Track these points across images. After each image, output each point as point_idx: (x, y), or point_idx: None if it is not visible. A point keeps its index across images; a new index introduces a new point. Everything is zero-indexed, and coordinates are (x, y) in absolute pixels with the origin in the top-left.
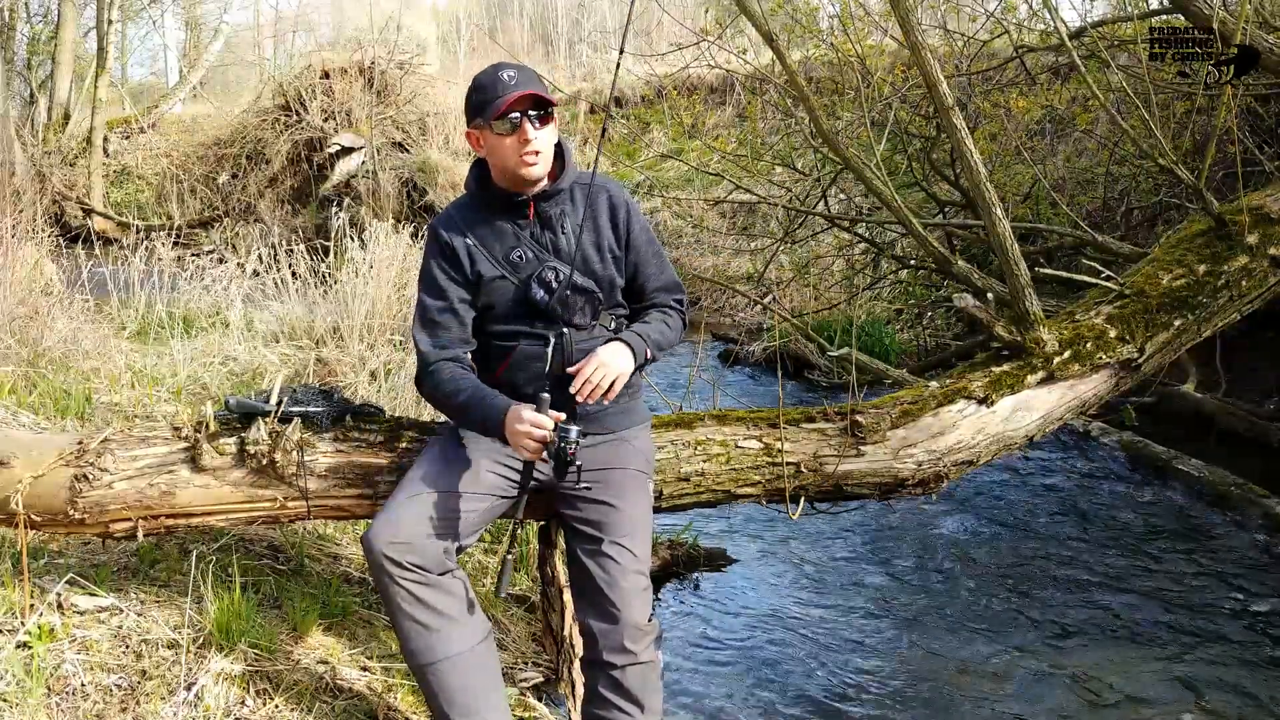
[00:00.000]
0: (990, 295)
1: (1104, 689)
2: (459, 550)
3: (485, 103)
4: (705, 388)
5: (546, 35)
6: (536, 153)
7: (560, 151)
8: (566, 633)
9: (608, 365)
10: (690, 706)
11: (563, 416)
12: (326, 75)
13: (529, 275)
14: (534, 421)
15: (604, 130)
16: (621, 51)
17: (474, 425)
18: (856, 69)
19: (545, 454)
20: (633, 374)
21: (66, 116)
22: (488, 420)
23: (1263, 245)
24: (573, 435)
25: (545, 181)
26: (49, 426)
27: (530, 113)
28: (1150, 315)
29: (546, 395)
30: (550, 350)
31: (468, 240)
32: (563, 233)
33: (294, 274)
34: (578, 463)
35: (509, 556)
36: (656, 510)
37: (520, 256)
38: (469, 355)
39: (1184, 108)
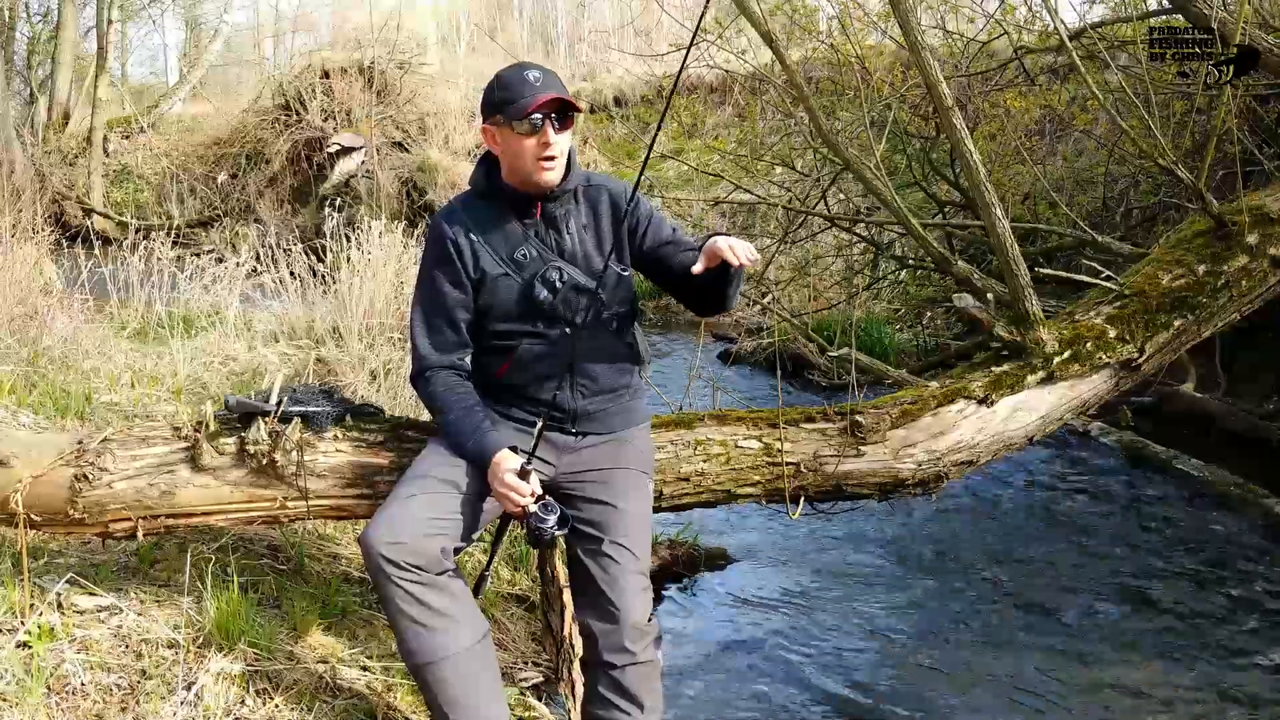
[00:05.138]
0: (990, 295)
1: (1103, 689)
2: (457, 550)
3: (509, 101)
4: (705, 388)
5: (546, 35)
6: (554, 157)
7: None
8: (566, 633)
9: (726, 236)
10: (690, 706)
11: (540, 492)
12: (326, 75)
13: (533, 274)
14: (514, 488)
15: (656, 133)
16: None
17: (456, 451)
18: (856, 69)
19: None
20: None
21: (66, 116)
22: (469, 455)
23: (1262, 245)
24: (550, 524)
25: None
26: (49, 426)
27: (553, 115)
28: (1150, 315)
29: (531, 467)
30: (536, 430)
31: (472, 237)
32: (567, 232)
33: (293, 273)
34: (557, 539)
35: (487, 573)
36: (656, 510)
37: (525, 255)
38: (467, 359)
39: (1184, 108)
